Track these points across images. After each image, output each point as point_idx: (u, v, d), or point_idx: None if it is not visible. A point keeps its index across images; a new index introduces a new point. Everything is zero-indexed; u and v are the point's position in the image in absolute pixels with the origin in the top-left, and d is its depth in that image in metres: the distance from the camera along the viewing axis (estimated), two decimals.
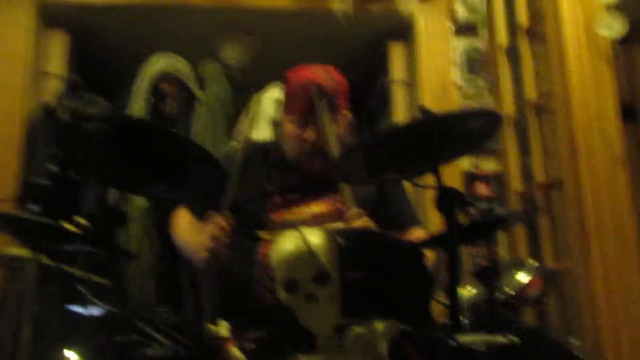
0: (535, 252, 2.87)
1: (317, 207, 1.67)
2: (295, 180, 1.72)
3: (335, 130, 1.68)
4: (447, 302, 1.21)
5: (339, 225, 1.62)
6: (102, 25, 3.40)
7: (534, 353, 1.39)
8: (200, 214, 1.71)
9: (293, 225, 1.56)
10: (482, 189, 3.13)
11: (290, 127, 1.70)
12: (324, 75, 1.67)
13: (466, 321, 1.62)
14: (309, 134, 1.66)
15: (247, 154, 1.79)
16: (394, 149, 1.33)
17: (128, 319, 1.19)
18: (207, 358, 1.23)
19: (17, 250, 2.11)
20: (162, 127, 1.25)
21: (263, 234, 1.60)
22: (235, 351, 1.20)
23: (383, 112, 3.72)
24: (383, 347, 1.14)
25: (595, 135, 2.53)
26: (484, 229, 1.63)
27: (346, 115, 1.76)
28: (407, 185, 1.90)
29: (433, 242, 1.65)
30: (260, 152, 1.80)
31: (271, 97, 2.74)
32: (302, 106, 1.66)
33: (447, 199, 1.24)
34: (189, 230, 1.70)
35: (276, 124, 1.85)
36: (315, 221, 1.63)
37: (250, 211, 1.63)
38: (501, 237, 3.07)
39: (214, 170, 1.33)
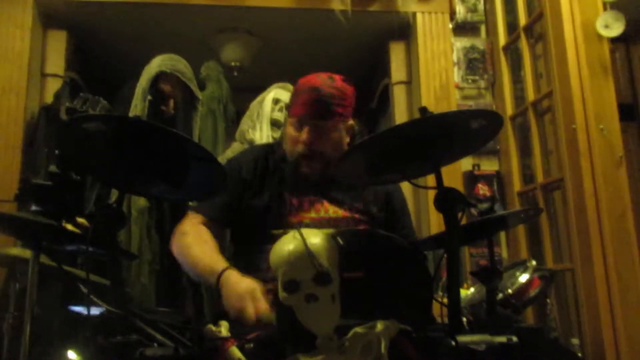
0: (536, 252, 2.87)
1: (333, 211, 1.68)
2: (303, 183, 1.72)
3: (337, 136, 1.70)
4: (447, 302, 1.21)
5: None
6: (101, 25, 3.40)
7: (534, 353, 1.39)
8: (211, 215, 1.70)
9: (308, 227, 1.56)
10: (482, 189, 3.13)
11: (289, 129, 1.72)
12: (326, 81, 1.68)
13: (466, 321, 1.62)
14: (304, 137, 1.67)
15: (259, 156, 1.79)
16: (394, 149, 1.33)
17: (128, 319, 1.19)
18: (207, 358, 1.22)
19: (17, 250, 2.11)
20: (162, 127, 1.25)
21: (278, 232, 1.60)
22: (235, 351, 1.20)
23: (383, 112, 3.73)
24: (383, 347, 1.14)
25: (595, 134, 2.53)
26: (485, 230, 1.63)
27: (350, 123, 1.76)
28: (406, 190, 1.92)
29: (434, 242, 1.65)
30: (271, 155, 1.80)
31: (272, 98, 2.74)
32: (299, 109, 1.68)
33: (448, 200, 1.24)
34: (204, 256, 1.60)
35: (280, 126, 1.87)
36: (331, 224, 1.64)
37: (268, 212, 1.65)
38: (502, 237, 3.07)
39: (214, 170, 1.33)
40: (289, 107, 1.79)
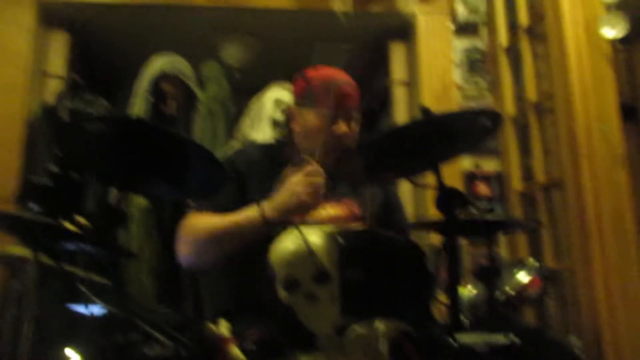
0: (536, 252, 2.87)
1: (332, 209, 1.68)
2: None
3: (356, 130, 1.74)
4: (447, 301, 1.21)
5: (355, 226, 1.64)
6: (102, 25, 3.40)
7: (534, 353, 1.39)
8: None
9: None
10: (482, 188, 3.13)
11: (315, 120, 1.71)
12: (344, 73, 1.75)
13: (466, 321, 1.62)
14: (342, 128, 1.68)
15: (258, 154, 1.78)
16: (394, 149, 1.33)
17: (128, 318, 1.19)
18: (207, 358, 1.23)
19: (17, 250, 2.11)
20: (162, 127, 1.25)
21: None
22: (235, 351, 1.20)
23: (383, 112, 3.73)
24: (383, 346, 1.14)
25: (596, 135, 2.53)
26: (485, 229, 1.63)
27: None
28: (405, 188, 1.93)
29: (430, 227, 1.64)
30: (270, 152, 1.80)
31: (272, 97, 2.74)
32: (335, 101, 1.69)
33: (448, 199, 1.24)
34: (231, 217, 1.56)
35: (287, 118, 1.82)
36: (332, 223, 1.64)
37: None
38: (502, 237, 3.07)
39: (214, 169, 1.33)
40: (307, 98, 1.75)
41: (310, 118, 1.73)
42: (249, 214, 1.52)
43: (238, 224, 1.54)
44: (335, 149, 1.69)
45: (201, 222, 1.63)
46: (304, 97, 1.75)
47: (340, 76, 1.74)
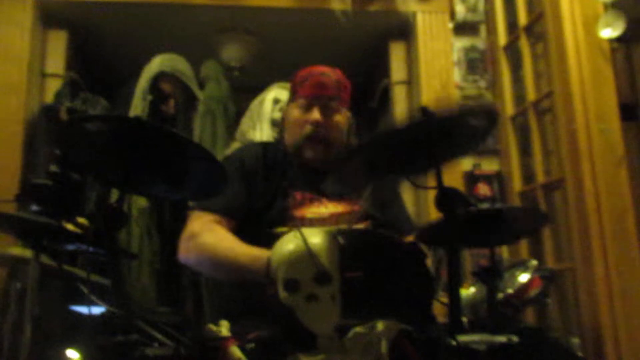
0: (536, 252, 2.87)
1: (333, 207, 1.68)
2: (305, 177, 1.72)
3: (341, 121, 1.75)
4: (447, 301, 1.21)
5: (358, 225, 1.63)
6: (101, 24, 3.40)
7: (534, 353, 1.39)
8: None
9: (312, 223, 1.56)
10: (483, 189, 3.13)
11: (295, 113, 1.73)
12: (329, 69, 1.76)
13: (466, 321, 1.62)
14: (315, 115, 1.69)
15: (262, 151, 1.78)
16: (394, 149, 1.33)
17: (129, 318, 1.19)
18: (207, 358, 1.23)
19: (18, 250, 2.11)
20: (162, 127, 1.25)
21: (283, 230, 1.58)
22: (235, 351, 1.20)
23: (383, 112, 3.73)
24: (383, 347, 1.14)
25: (596, 134, 2.53)
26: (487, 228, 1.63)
27: (348, 115, 1.79)
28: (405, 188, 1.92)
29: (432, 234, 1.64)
30: (271, 151, 1.80)
31: (272, 97, 2.75)
32: (309, 90, 1.71)
33: (448, 199, 1.24)
34: (240, 249, 1.51)
35: (281, 119, 1.85)
36: (333, 220, 1.64)
37: (271, 209, 1.63)
38: None
39: (214, 169, 1.33)
40: (291, 94, 1.79)
41: (291, 111, 1.76)
42: (259, 256, 1.42)
43: (244, 263, 1.48)
44: (315, 140, 1.69)
45: (205, 242, 1.58)
46: (290, 94, 1.79)
47: (320, 68, 1.75)
